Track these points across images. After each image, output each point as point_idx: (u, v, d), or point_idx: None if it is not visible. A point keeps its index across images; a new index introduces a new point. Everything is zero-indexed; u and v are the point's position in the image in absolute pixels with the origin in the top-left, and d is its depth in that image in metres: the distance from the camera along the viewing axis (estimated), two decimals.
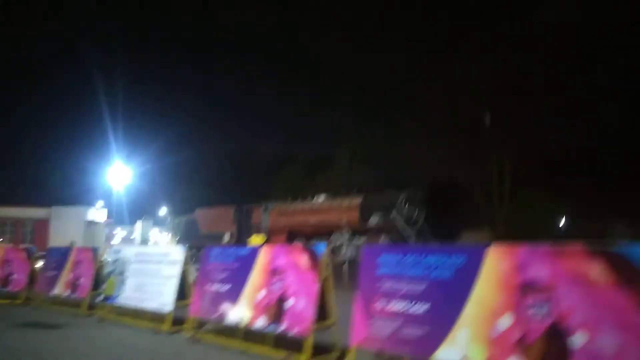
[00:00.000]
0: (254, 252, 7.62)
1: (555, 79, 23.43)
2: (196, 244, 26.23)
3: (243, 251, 7.94)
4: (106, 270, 10.66)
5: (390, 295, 5.61)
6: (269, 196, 32.90)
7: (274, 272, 7.07)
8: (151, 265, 9.49)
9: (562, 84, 23.27)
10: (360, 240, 20.49)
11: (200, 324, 8.33)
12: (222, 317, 7.67)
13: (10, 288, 12.54)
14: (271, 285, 7.02)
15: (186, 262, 8.99)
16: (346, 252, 20.46)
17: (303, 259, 6.75)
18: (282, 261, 7.04)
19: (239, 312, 7.37)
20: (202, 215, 29.66)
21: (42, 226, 36.76)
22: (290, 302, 6.65)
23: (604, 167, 23.56)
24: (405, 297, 5.47)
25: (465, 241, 21.99)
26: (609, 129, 23.00)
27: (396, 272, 5.65)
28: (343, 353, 6.46)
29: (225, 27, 63.44)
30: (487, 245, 5.09)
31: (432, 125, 27.19)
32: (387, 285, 5.68)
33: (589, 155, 23.52)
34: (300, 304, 6.51)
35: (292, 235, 23.79)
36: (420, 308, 5.32)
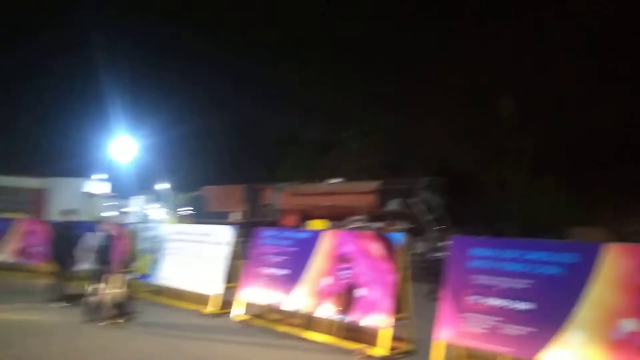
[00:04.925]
0: (315, 236, 7.25)
1: (579, 65, 22.93)
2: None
3: (302, 235, 7.57)
4: (139, 247, 10.25)
5: (485, 290, 5.29)
6: (275, 176, 32.39)
7: (341, 259, 6.72)
8: (193, 244, 9.09)
9: (584, 71, 22.79)
10: (376, 226, 20.17)
11: (249, 308, 8.00)
12: (277, 302, 7.33)
13: (30, 261, 12.19)
14: (338, 272, 6.68)
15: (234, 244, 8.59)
16: None
17: (376, 247, 6.40)
18: (350, 248, 6.69)
19: (298, 298, 7.03)
20: (210, 193, 29.04)
21: (38, 196, 36.13)
22: (361, 292, 6.32)
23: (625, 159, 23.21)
24: (504, 293, 5.15)
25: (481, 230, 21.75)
26: (634, 118, 22.62)
27: (492, 266, 5.32)
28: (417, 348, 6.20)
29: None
30: (602, 243, 4.77)
31: (448, 110, 26.71)
32: (482, 279, 5.35)
33: (609, 146, 23.17)
34: (374, 295, 6.17)
35: (304, 217, 23.40)
36: (522, 305, 5.00)
